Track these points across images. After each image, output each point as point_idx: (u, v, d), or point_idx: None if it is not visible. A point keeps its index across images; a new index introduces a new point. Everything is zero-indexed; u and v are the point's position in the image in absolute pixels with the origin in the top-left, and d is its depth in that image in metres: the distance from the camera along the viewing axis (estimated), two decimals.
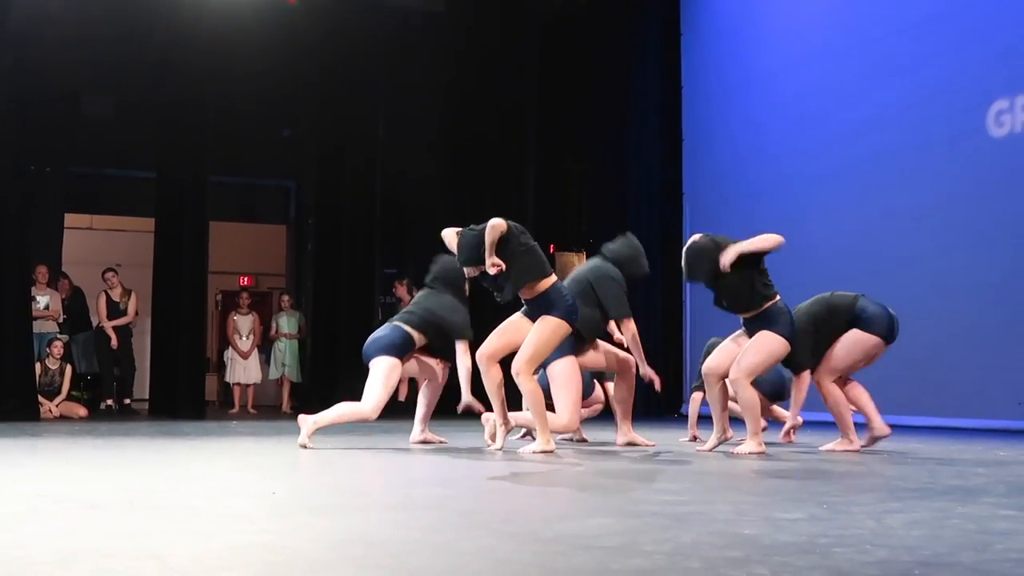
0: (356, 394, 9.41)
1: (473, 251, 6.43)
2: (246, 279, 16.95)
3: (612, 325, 7.41)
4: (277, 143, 15.84)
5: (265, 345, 13.90)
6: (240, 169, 15.44)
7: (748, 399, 6.56)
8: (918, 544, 3.02)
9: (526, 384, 6.46)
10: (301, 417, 6.86)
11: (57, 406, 11.22)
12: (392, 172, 13.43)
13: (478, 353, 6.72)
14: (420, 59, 13.61)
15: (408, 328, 7.10)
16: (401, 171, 14.19)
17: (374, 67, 12.65)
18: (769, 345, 6.54)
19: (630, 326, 7.01)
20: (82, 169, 15.15)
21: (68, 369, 11.50)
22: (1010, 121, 9.41)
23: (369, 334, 7.34)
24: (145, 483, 4.80)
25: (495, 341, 6.66)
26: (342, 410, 7.00)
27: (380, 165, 12.77)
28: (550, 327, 6.41)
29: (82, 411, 11.37)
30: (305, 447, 6.66)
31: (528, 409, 6.62)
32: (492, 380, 6.59)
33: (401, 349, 7.07)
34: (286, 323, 13.58)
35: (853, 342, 6.96)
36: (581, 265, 7.37)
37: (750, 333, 6.65)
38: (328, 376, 12.42)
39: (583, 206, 15.03)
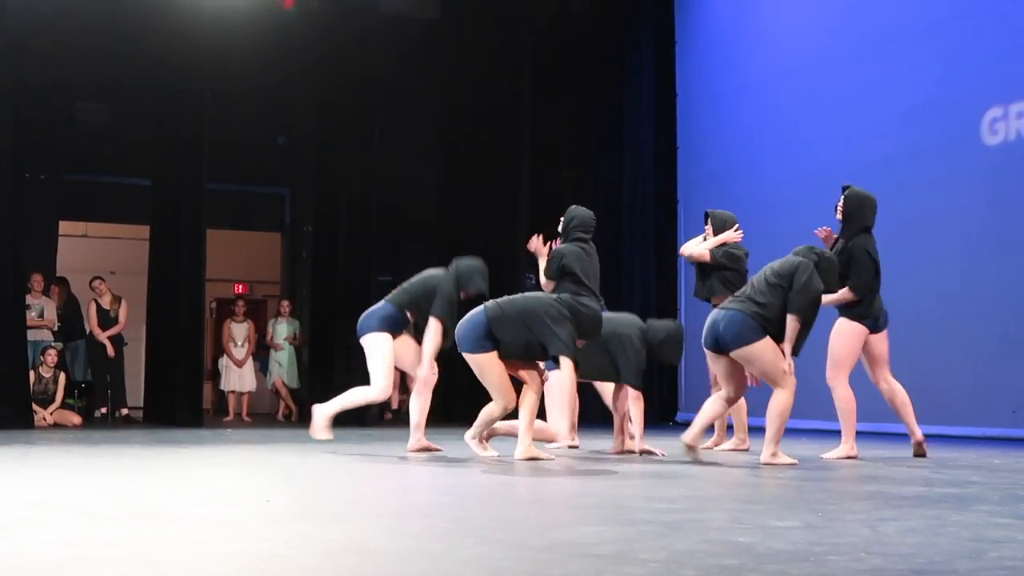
0: None
1: None
2: (241, 287, 16.93)
3: None
4: (272, 150, 15.83)
5: (260, 353, 13.88)
6: (235, 176, 15.42)
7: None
8: (913, 552, 3.03)
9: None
10: (315, 408, 6.84)
11: (51, 414, 11.19)
12: (387, 179, 13.43)
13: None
14: (415, 66, 13.61)
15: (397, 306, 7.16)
16: (396, 178, 14.18)
17: (369, 74, 12.64)
18: None
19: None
20: (77, 176, 15.10)
21: (62, 377, 11.47)
22: (1004, 129, 9.42)
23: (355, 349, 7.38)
24: (139, 491, 4.80)
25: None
26: (352, 396, 7.08)
27: (375, 172, 12.76)
28: None
29: (76, 419, 11.34)
30: (319, 438, 6.57)
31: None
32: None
33: (391, 324, 7.10)
34: (283, 330, 13.55)
35: (841, 332, 6.98)
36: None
37: None
38: (324, 383, 12.39)
39: None
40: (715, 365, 6.55)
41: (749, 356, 6.24)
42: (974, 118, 9.62)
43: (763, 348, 6.22)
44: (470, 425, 6.98)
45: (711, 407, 6.51)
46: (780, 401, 6.28)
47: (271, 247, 17.10)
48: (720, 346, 6.31)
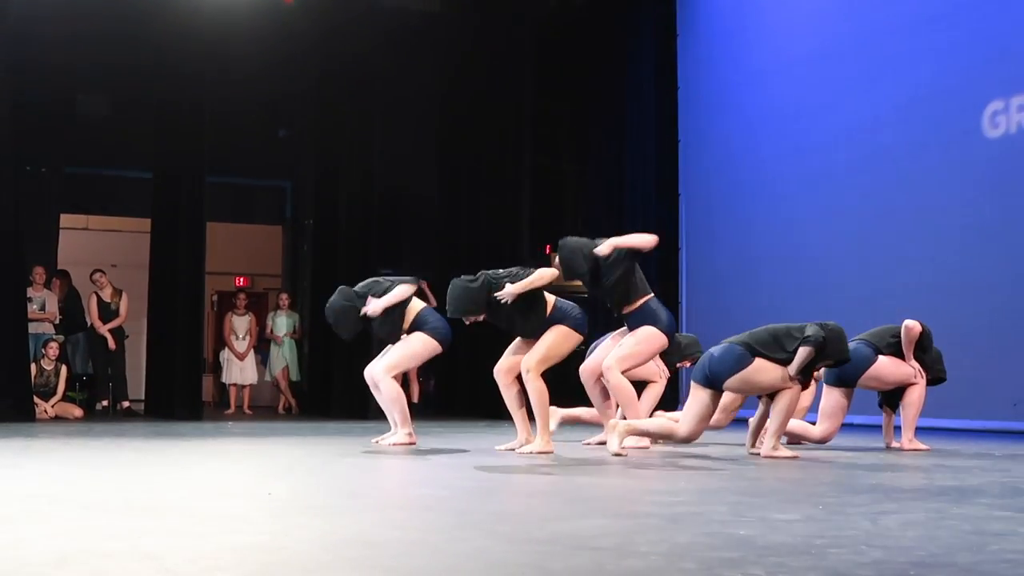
0: (353, 395, 9.29)
1: None
2: (242, 280, 16.92)
3: None
4: (273, 143, 15.81)
5: (261, 346, 13.87)
6: (236, 169, 15.41)
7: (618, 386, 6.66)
8: (913, 545, 3.03)
9: (533, 383, 6.60)
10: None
11: (52, 407, 11.20)
12: (388, 172, 13.42)
13: (495, 369, 6.85)
14: (416, 59, 13.60)
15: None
16: (397, 171, 14.18)
17: (370, 67, 12.63)
18: (649, 338, 6.70)
19: None
20: (78, 169, 15.11)
21: (63, 370, 11.48)
22: (1005, 122, 9.41)
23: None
24: (141, 484, 4.80)
25: (511, 356, 6.83)
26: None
27: (376, 165, 12.75)
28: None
29: (77, 412, 11.35)
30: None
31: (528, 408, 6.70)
32: (512, 395, 6.81)
33: None
34: (282, 323, 13.55)
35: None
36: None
37: (631, 328, 6.83)
38: (324, 377, 12.40)
39: (579, 207, 15.03)
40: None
41: (746, 378, 6.24)
42: (975, 111, 9.61)
43: (757, 368, 6.23)
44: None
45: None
46: (784, 398, 6.26)
47: (272, 240, 17.10)
48: (711, 381, 6.26)
